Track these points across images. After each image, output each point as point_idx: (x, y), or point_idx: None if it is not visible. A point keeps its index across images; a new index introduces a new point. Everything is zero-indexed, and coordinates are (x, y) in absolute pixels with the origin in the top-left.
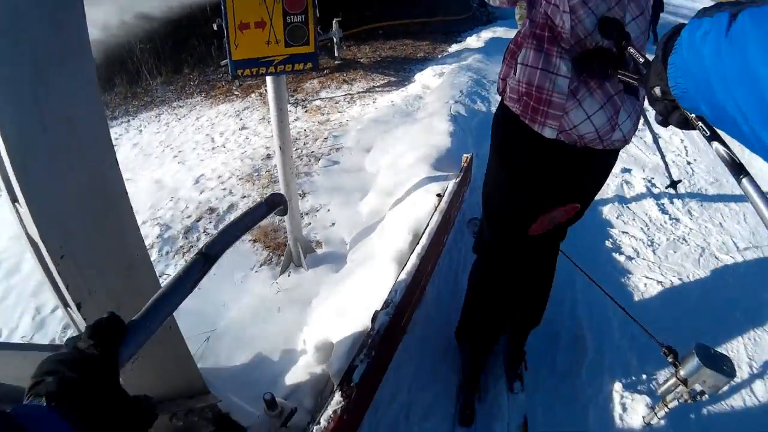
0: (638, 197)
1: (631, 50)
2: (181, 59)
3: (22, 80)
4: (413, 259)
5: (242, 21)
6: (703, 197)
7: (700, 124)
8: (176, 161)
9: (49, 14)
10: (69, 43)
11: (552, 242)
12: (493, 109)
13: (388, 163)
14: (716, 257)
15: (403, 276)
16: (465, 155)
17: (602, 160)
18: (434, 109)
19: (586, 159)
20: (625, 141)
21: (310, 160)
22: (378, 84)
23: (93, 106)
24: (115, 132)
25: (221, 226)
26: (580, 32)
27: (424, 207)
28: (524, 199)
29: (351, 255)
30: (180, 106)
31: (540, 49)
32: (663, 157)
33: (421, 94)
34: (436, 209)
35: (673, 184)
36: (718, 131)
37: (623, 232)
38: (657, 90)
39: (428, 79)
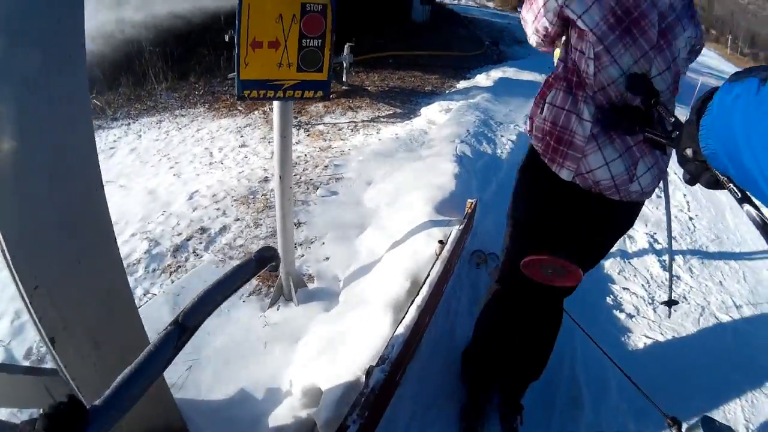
0: (640, 252)
1: (660, 109)
2: (188, 66)
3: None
4: (412, 312)
5: (255, 39)
6: (704, 254)
7: (732, 186)
8: (172, 172)
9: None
10: (59, 58)
11: (559, 295)
12: (499, 152)
13: (388, 200)
14: (716, 316)
15: (401, 330)
16: (469, 200)
17: (621, 212)
18: (440, 148)
19: (604, 208)
20: (643, 194)
21: (308, 188)
22: (383, 114)
23: (83, 130)
24: (114, 134)
25: (201, 290)
26: (603, 80)
27: (424, 253)
28: (536, 237)
29: (344, 294)
30: (182, 115)
31: (569, 91)
32: (670, 269)
33: (426, 129)
34: (438, 257)
35: (670, 303)
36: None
37: (624, 288)
38: (689, 151)
39: (434, 114)
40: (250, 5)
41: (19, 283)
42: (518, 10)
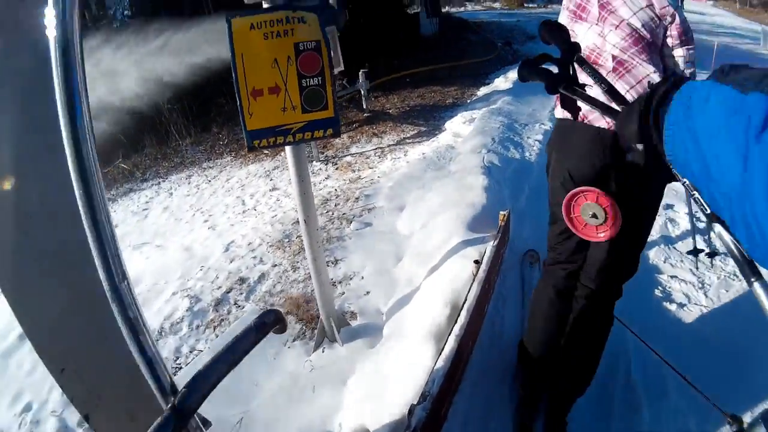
0: (684, 235)
1: (584, 68)
2: (209, 118)
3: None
4: (452, 342)
5: (255, 87)
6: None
7: (701, 200)
8: (206, 226)
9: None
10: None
11: (608, 299)
12: (527, 154)
13: (421, 224)
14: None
15: (441, 362)
16: (502, 212)
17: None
18: (466, 161)
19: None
20: None
21: (341, 223)
22: (408, 135)
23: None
24: (146, 195)
25: (198, 368)
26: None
27: (461, 275)
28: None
29: (387, 327)
30: (210, 167)
31: None
32: (692, 220)
33: (452, 144)
34: (474, 278)
35: (695, 251)
36: None
37: (672, 277)
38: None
39: (458, 127)
40: (243, 55)
41: (47, 367)
42: (525, 5)
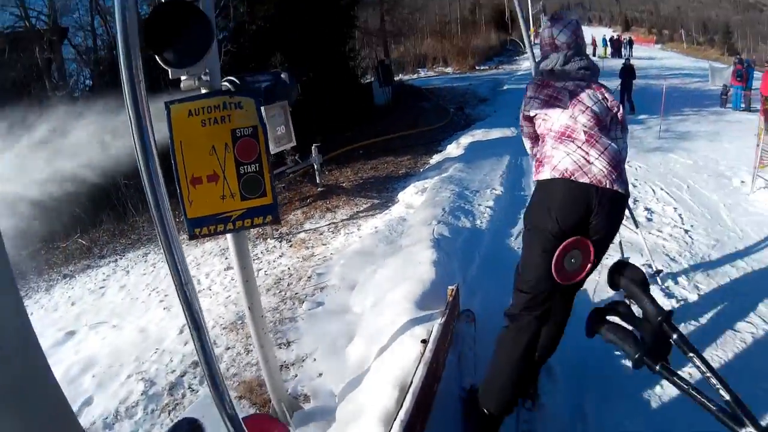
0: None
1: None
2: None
3: None
4: (396, 428)
5: (194, 175)
6: (707, 265)
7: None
8: (162, 306)
9: None
10: None
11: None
12: (479, 222)
13: (372, 302)
14: (734, 330)
15: None
16: (450, 287)
17: (609, 203)
18: (417, 234)
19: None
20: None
21: (294, 303)
22: (362, 209)
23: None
24: (103, 272)
25: None
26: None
27: (409, 355)
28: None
29: (340, 410)
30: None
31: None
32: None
33: (404, 216)
34: (421, 359)
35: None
36: None
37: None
38: None
39: (411, 198)
40: (182, 142)
41: None
42: (477, 68)
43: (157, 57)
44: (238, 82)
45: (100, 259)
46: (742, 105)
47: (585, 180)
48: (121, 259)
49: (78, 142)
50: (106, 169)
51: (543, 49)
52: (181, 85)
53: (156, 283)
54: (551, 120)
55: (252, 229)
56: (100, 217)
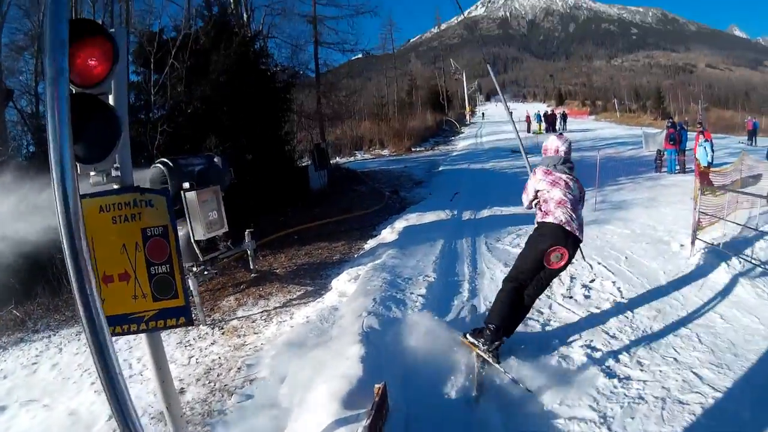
0: (580, 369)
1: None
2: None
3: None
4: None
5: (105, 272)
6: (649, 338)
7: None
8: (93, 389)
9: None
10: None
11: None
12: (410, 312)
13: (300, 399)
14: (681, 402)
15: None
16: (377, 385)
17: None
18: (347, 326)
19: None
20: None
21: (223, 395)
22: (295, 296)
23: None
24: (36, 348)
25: None
26: (553, 199)
27: None
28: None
29: None
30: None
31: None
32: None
33: (337, 305)
34: None
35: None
36: None
37: (570, 419)
38: None
39: (344, 285)
40: (93, 238)
41: None
42: (413, 150)
43: None
44: (171, 164)
45: (34, 333)
46: (677, 168)
47: (568, 228)
48: (54, 335)
49: (15, 210)
50: (42, 240)
51: (548, 151)
52: (90, 180)
53: (89, 363)
54: (553, 193)
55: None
56: (35, 290)
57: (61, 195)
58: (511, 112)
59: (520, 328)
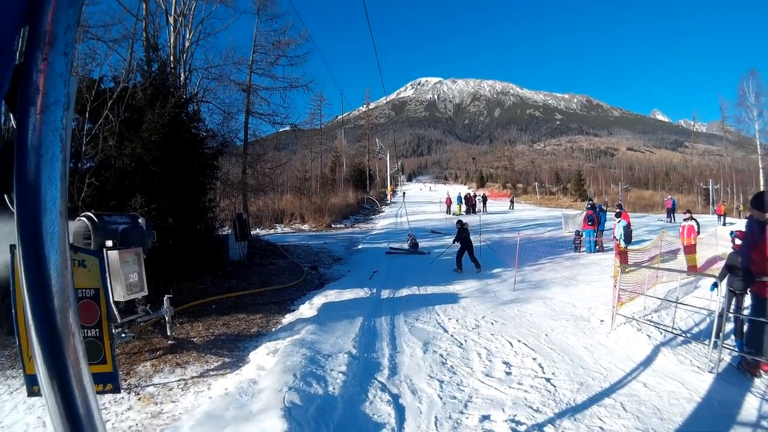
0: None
1: None
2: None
3: None
4: None
5: None
6: (573, 410)
7: None
8: None
9: None
10: None
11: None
12: (331, 389)
13: None
14: None
15: None
16: None
17: None
18: (268, 400)
19: None
20: None
21: None
22: (212, 366)
23: None
24: None
25: None
26: None
27: None
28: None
29: None
30: (14, 376)
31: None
32: None
33: (255, 378)
34: None
35: None
36: None
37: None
38: None
39: (262, 359)
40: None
41: None
42: (333, 226)
43: None
44: (96, 220)
45: None
46: (596, 248)
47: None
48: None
49: None
50: None
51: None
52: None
53: (1, 416)
54: None
55: None
56: None
57: None
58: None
59: (439, 404)
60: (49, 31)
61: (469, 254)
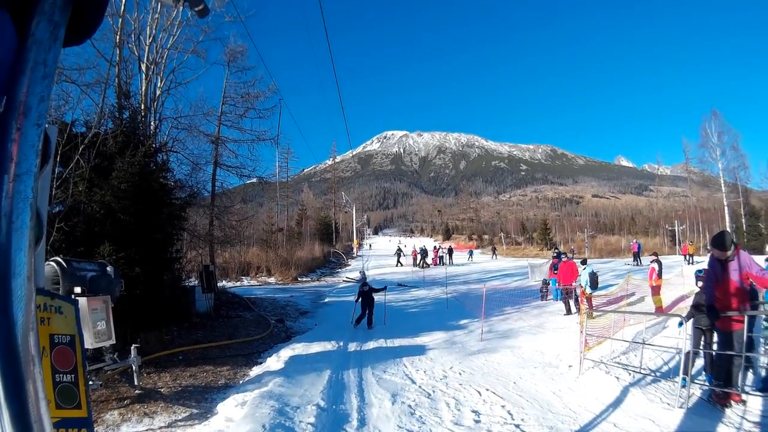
0: None
1: None
2: None
3: None
4: None
5: None
6: None
7: None
8: None
9: None
10: None
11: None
12: None
13: None
14: None
15: None
16: None
17: None
18: None
19: None
20: None
21: None
22: (180, 417)
23: None
24: None
25: None
26: None
27: None
28: None
29: None
30: None
31: None
32: None
33: (224, 430)
34: None
35: None
36: None
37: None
38: None
39: (231, 411)
40: None
41: None
42: (299, 280)
43: None
44: (65, 265)
45: None
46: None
47: None
48: None
49: None
50: None
51: None
52: None
53: None
54: None
55: None
56: None
57: None
58: (400, 249)
59: None
60: (23, 101)
61: (368, 312)
